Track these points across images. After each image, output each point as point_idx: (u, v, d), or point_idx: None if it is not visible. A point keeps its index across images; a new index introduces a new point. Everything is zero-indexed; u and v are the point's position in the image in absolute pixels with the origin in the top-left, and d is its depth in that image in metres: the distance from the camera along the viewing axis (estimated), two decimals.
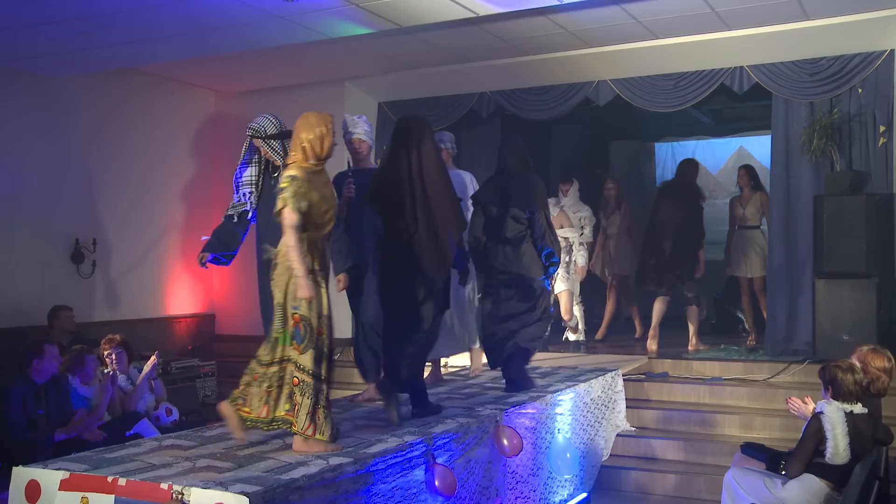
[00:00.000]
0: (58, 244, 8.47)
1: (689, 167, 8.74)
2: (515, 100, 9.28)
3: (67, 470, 3.58)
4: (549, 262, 5.63)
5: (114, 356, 6.71)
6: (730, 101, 9.93)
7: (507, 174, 5.79)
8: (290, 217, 3.81)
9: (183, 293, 9.88)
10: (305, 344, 3.83)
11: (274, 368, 3.90)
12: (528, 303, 5.63)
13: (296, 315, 3.83)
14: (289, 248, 3.82)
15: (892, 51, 7.61)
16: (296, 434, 3.87)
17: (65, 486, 3.53)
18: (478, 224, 5.71)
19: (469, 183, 6.13)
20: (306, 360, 3.83)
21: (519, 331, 5.63)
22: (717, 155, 12.75)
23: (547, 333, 6.31)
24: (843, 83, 7.78)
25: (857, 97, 7.78)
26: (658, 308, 8.36)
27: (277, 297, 3.88)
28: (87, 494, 3.46)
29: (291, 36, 7.35)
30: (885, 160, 7.67)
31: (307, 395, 3.82)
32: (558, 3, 6.56)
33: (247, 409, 3.93)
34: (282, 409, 3.90)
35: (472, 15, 6.81)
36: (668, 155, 13.58)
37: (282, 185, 3.88)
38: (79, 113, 8.69)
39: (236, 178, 5.51)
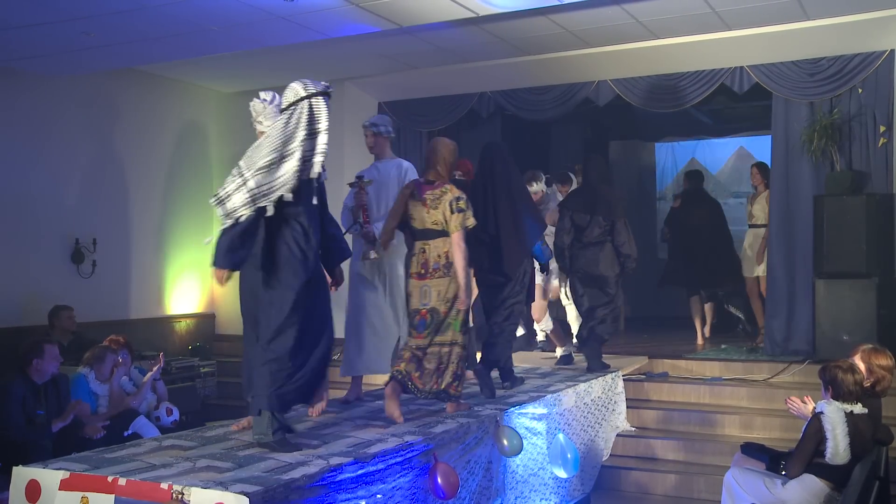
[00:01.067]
0: (58, 244, 8.47)
1: (700, 177, 9.50)
2: (515, 100, 9.28)
3: (67, 470, 3.58)
4: (626, 265, 6.68)
5: (119, 359, 6.73)
6: (730, 101, 9.93)
7: (591, 187, 6.82)
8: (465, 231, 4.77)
9: (183, 293, 9.88)
10: (466, 329, 4.83)
11: (445, 349, 4.76)
12: (607, 297, 6.67)
13: (462, 307, 4.77)
14: (463, 257, 4.73)
15: (892, 51, 7.61)
16: (456, 401, 4.86)
17: (65, 485, 3.53)
18: (565, 229, 6.72)
19: (406, 171, 5.54)
20: (465, 342, 4.86)
21: (596, 320, 6.69)
22: (717, 155, 12.75)
23: (620, 326, 7.34)
24: (844, 83, 7.78)
25: (858, 97, 7.78)
26: (707, 309, 9.03)
27: (443, 294, 4.73)
28: (88, 494, 3.46)
29: (291, 36, 7.35)
30: (885, 160, 7.67)
31: (462, 368, 4.86)
32: (557, 2, 6.55)
33: (420, 382, 4.74)
34: (445, 383, 4.77)
35: (473, 15, 6.81)
36: (668, 155, 13.58)
37: (461, 205, 4.74)
38: (79, 113, 8.69)
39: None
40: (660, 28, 7.63)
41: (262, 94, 4.48)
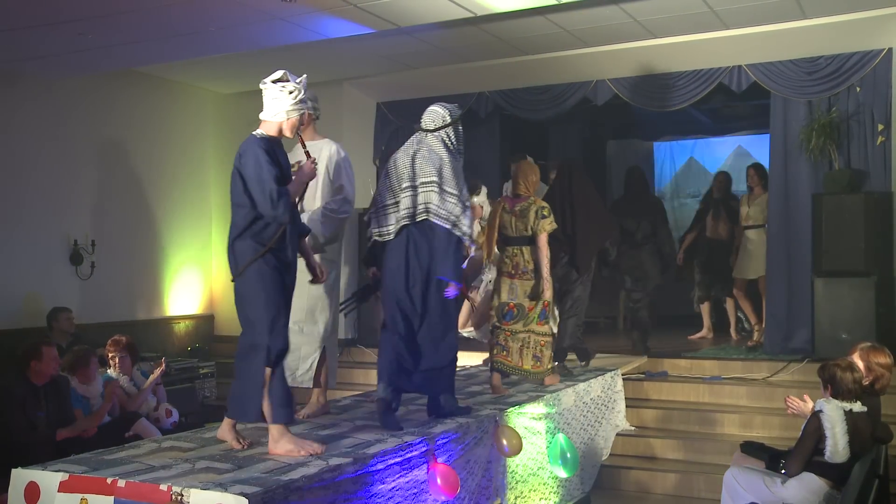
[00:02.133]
0: (57, 245, 8.47)
1: (727, 179, 9.32)
2: (514, 99, 9.29)
3: (66, 472, 3.58)
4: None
5: (117, 359, 6.71)
6: (728, 100, 9.93)
7: (634, 195, 8.44)
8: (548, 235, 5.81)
9: (182, 294, 9.88)
10: (547, 319, 5.92)
11: (528, 335, 5.82)
12: (644, 290, 8.18)
13: (545, 302, 5.82)
14: (546, 256, 5.75)
15: (889, 49, 7.62)
16: (543, 375, 5.89)
17: (64, 487, 3.53)
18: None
19: (334, 155, 5.10)
20: (546, 329, 5.91)
21: (640, 308, 8.22)
22: (716, 154, 12.75)
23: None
24: (842, 82, 7.79)
25: (856, 96, 7.79)
26: (705, 308, 9.26)
27: (528, 291, 5.76)
28: (87, 496, 3.46)
29: (289, 36, 7.35)
30: (883, 158, 7.67)
31: (550, 349, 5.96)
32: (556, 1, 6.56)
33: (509, 360, 5.82)
34: (528, 363, 5.83)
35: (471, 15, 6.82)
36: (667, 154, 13.58)
37: (545, 213, 5.79)
38: (78, 114, 8.69)
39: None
40: (657, 27, 7.63)
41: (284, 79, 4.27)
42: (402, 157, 4.77)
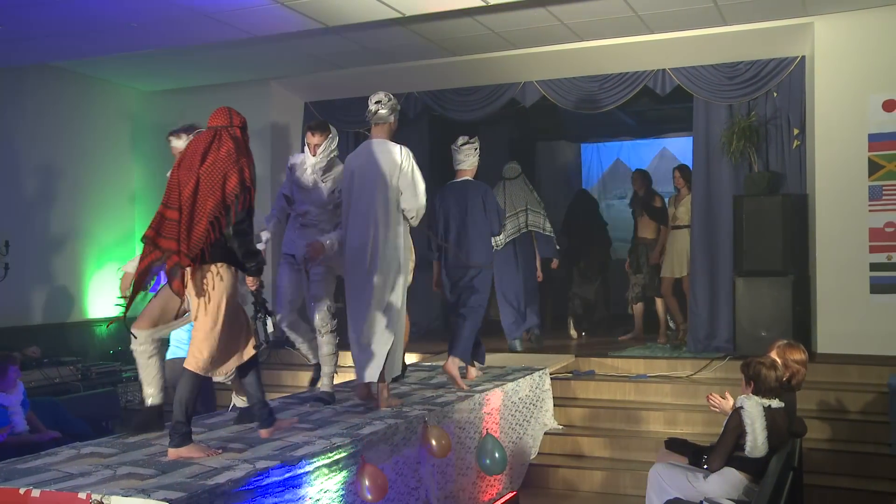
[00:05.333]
0: None
1: (643, 176, 9.66)
2: (443, 100, 9.30)
3: None
4: None
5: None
6: (653, 103, 10.11)
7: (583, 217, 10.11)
8: None
9: (103, 295, 9.60)
10: None
11: None
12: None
13: None
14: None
15: (803, 57, 7.88)
16: None
17: None
18: None
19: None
20: None
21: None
22: (642, 156, 13.00)
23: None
24: (760, 87, 8.03)
25: (773, 101, 8.03)
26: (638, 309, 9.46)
27: None
28: None
29: (216, 34, 7.22)
30: (799, 162, 7.93)
31: None
32: (483, 2, 6.59)
33: None
34: None
35: (399, 15, 6.80)
36: (594, 156, 13.79)
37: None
38: None
39: None
40: (584, 30, 7.73)
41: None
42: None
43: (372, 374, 5.09)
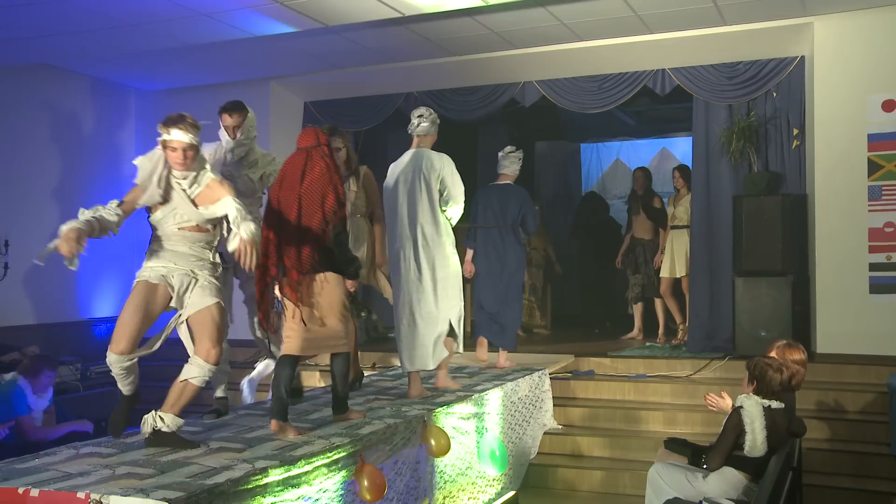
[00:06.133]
0: None
1: (644, 175, 9.57)
2: (442, 100, 9.30)
3: None
4: None
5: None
6: (652, 103, 10.13)
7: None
8: None
9: (102, 295, 9.61)
10: None
11: None
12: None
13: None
14: None
15: (802, 57, 7.89)
16: None
17: None
18: None
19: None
20: None
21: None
22: (641, 156, 13.00)
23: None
24: (760, 87, 8.03)
25: (773, 101, 8.04)
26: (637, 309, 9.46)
27: None
28: None
29: (216, 33, 7.22)
30: (798, 162, 7.93)
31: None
32: (483, 2, 6.59)
33: None
34: None
35: (399, 15, 6.80)
36: (594, 156, 13.79)
37: None
38: None
39: None
40: (584, 30, 7.74)
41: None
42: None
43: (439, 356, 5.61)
